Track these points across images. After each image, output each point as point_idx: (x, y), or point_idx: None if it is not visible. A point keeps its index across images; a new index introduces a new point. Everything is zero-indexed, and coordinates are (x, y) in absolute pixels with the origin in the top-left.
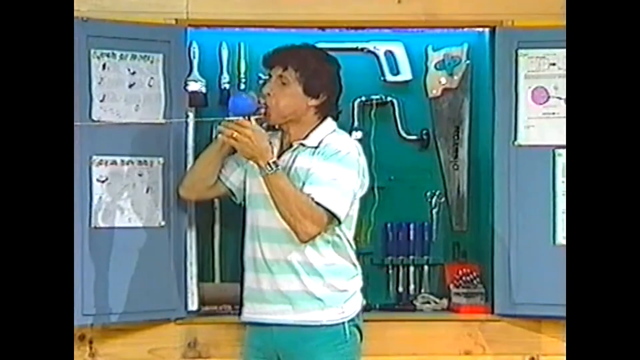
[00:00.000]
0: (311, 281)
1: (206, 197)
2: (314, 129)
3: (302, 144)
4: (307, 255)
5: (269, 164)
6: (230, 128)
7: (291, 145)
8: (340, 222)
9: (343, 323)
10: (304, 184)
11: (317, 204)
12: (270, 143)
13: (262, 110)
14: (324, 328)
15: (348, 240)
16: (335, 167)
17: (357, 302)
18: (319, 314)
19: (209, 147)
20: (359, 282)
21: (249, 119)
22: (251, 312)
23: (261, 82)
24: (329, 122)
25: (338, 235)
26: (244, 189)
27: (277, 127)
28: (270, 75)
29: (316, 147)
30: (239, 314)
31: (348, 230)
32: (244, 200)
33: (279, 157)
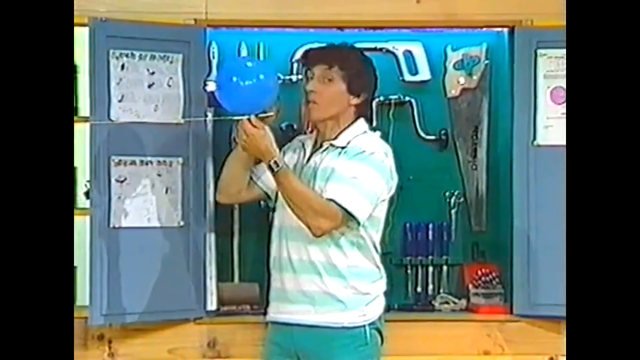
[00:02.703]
0: (333, 282)
1: (243, 200)
2: (345, 129)
3: (332, 144)
4: (331, 256)
5: (270, 163)
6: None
7: (321, 146)
8: (358, 222)
9: (364, 326)
10: (327, 182)
11: (333, 201)
12: (303, 145)
13: (275, 109)
14: (345, 330)
15: (373, 243)
16: (356, 166)
17: (379, 306)
18: (340, 316)
19: (236, 150)
20: (382, 285)
21: (256, 117)
22: (275, 311)
23: (299, 79)
24: (361, 123)
25: (362, 237)
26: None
27: (310, 130)
28: (306, 73)
29: (344, 147)
30: (264, 313)
31: (374, 233)
32: (275, 200)
33: (309, 158)
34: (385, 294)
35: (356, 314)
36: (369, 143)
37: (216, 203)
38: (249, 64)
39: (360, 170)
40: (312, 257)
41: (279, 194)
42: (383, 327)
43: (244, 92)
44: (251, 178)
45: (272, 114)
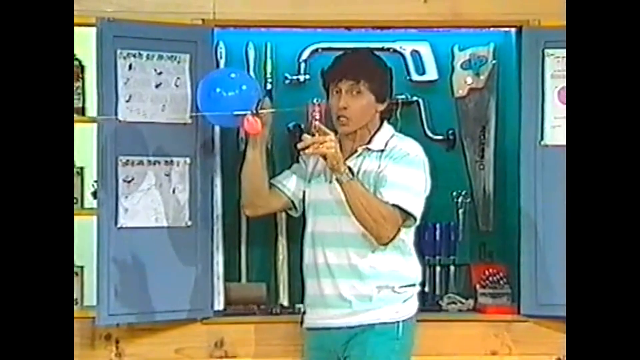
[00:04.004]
0: (372, 285)
1: (272, 210)
2: (375, 132)
3: (368, 148)
4: (372, 259)
5: (348, 170)
6: (314, 139)
7: (356, 151)
8: (416, 221)
9: (397, 322)
10: (375, 187)
11: (397, 206)
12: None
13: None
14: (380, 325)
15: (410, 244)
16: (406, 170)
17: (413, 306)
18: (377, 313)
19: (246, 161)
20: (416, 288)
21: (256, 113)
22: (313, 318)
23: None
24: (388, 126)
25: (402, 240)
26: (303, 200)
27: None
28: (328, 87)
29: (382, 150)
30: (301, 323)
31: (411, 234)
32: (304, 209)
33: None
34: (419, 295)
35: (392, 309)
36: (409, 145)
37: (223, 203)
38: (233, 75)
39: (410, 173)
40: (353, 261)
41: (309, 202)
42: (415, 329)
43: (226, 103)
44: (277, 187)
45: (271, 110)
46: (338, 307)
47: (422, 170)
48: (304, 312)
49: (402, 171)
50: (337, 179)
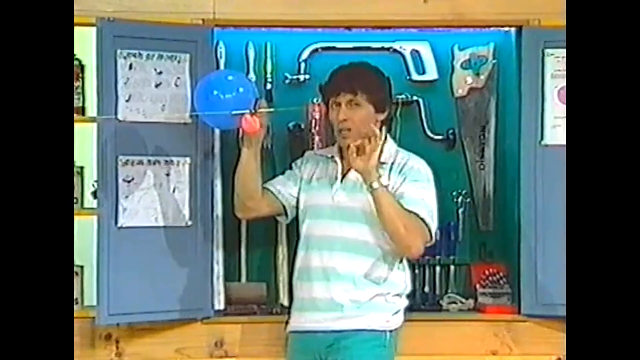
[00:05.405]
0: (365, 291)
1: (263, 214)
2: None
3: None
4: (369, 266)
5: (379, 180)
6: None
7: None
8: (431, 240)
9: (386, 331)
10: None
11: (423, 221)
12: (333, 158)
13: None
14: (369, 332)
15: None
16: (422, 186)
17: (401, 318)
18: (367, 320)
19: (240, 162)
20: (405, 300)
21: (255, 112)
22: (300, 321)
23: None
24: (391, 140)
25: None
26: (297, 205)
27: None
28: (328, 101)
29: (391, 163)
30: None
31: None
32: (298, 213)
33: (345, 174)
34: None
35: (383, 318)
36: (418, 163)
37: (223, 202)
38: (230, 77)
39: (426, 190)
40: (349, 266)
41: (305, 207)
42: (399, 342)
43: (224, 105)
44: (270, 191)
45: (271, 109)
46: (329, 311)
47: (433, 186)
48: (290, 316)
49: (418, 188)
50: (370, 186)
